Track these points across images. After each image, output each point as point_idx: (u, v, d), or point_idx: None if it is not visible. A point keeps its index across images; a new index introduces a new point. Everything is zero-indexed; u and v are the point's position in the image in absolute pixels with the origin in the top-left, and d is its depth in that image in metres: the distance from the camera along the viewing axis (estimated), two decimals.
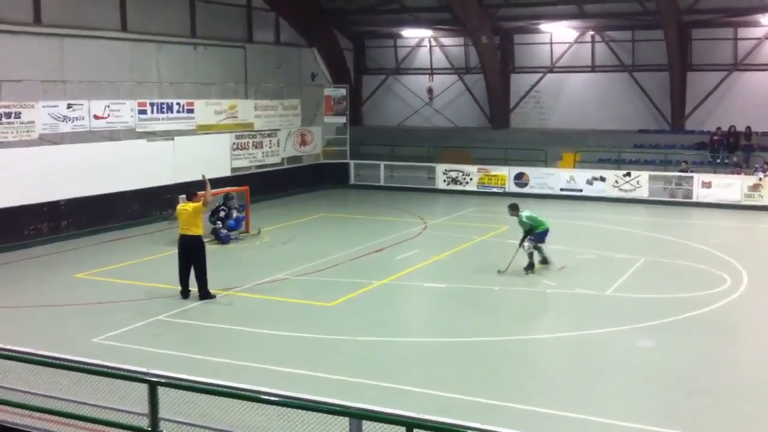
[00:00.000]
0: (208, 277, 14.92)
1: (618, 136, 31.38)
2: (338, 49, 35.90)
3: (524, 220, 17.30)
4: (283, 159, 29.88)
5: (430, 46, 36.61)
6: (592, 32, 33.03)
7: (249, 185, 22.60)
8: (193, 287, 14.89)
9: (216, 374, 9.03)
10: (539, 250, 17.42)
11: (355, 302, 14.93)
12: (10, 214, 19.55)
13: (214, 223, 20.55)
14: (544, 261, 17.58)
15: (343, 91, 32.71)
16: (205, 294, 14.79)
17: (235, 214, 20.95)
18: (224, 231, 20.47)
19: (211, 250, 19.77)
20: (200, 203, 14.91)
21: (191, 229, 14.76)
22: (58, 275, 17.03)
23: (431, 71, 36.75)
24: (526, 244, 17.15)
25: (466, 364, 11.69)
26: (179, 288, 14.93)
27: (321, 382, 10.61)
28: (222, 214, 20.66)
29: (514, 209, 17.74)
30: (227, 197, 21.11)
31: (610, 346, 12.59)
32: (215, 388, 7.62)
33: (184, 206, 15.05)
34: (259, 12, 31.98)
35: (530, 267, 17.14)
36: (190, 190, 15.91)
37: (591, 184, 28.23)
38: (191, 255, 14.75)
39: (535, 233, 17.19)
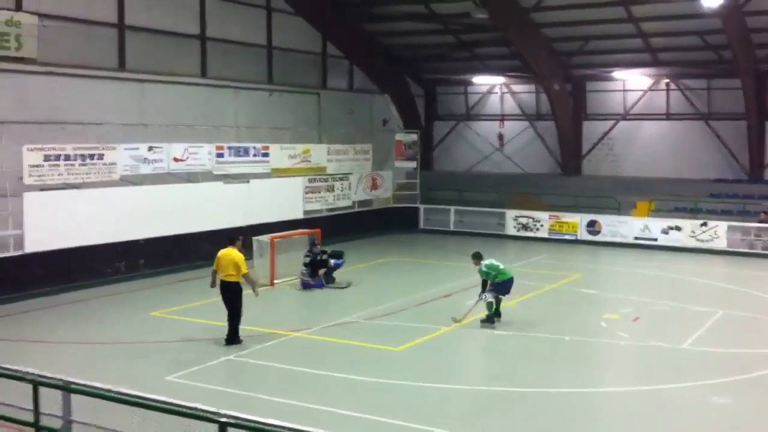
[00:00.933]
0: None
1: (694, 185, 30.74)
2: (410, 96, 36.34)
3: (482, 269, 16.44)
4: (353, 202, 30.20)
5: (501, 93, 36.72)
6: (666, 80, 32.63)
7: (320, 228, 22.88)
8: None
9: (282, 416, 9.07)
10: (498, 302, 16.46)
11: (422, 348, 14.86)
12: (90, 253, 20.19)
13: (312, 275, 20.31)
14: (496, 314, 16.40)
15: (414, 136, 33.01)
16: (233, 338, 14.64)
17: (332, 262, 20.74)
18: (318, 280, 20.21)
19: (283, 291, 20.07)
20: (241, 254, 14.78)
21: (232, 275, 14.61)
22: (135, 313, 17.46)
23: (502, 117, 36.80)
24: (485, 294, 16.28)
25: (533, 416, 11.47)
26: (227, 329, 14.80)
27: (383, 428, 10.58)
28: (308, 259, 20.38)
29: (477, 258, 16.86)
30: (312, 243, 20.92)
31: (684, 403, 12.19)
32: (282, 430, 7.68)
33: (227, 252, 14.83)
34: (334, 60, 32.72)
35: (489, 320, 16.21)
36: (232, 234, 15.77)
37: (666, 233, 27.64)
38: (231, 300, 14.69)
39: (495, 283, 16.30)
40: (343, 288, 20.37)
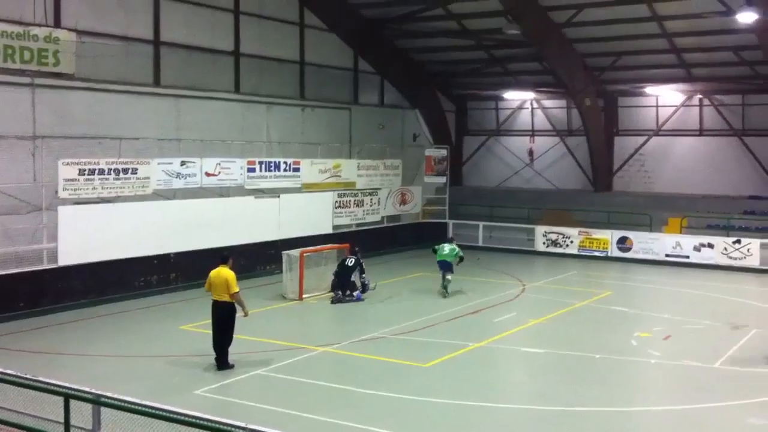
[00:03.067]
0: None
1: (727, 201, 30.36)
2: (440, 111, 36.41)
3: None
4: (383, 217, 30.27)
5: (532, 108, 36.66)
6: (700, 96, 32.34)
7: (349, 243, 22.96)
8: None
9: None
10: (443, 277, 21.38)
11: (451, 364, 14.84)
12: (123, 265, 20.47)
13: (346, 292, 20.60)
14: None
15: (443, 152, 33.04)
16: (224, 363, 14.19)
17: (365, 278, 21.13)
18: (358, 293, 20.66)
19: (312, 305, 20.16)
20: (233, 273, 14.32)
21: (225, 296, 14.19)
22: (165, 326, 17.66)
23: (532, 133, 36.71)
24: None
25: None
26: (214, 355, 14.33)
27: None
28: (350, 261, 20.82)
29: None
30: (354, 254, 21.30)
31: (718, 423, 12.02)
32: None
33: (218, 272, 14.34)
34: (365, 75, 32.92)
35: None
36: (224, 253, 15.16)
37: (699, 250, 27.32)
38: (224, 321, 14.26)
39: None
40: (373, 289, 21.42)
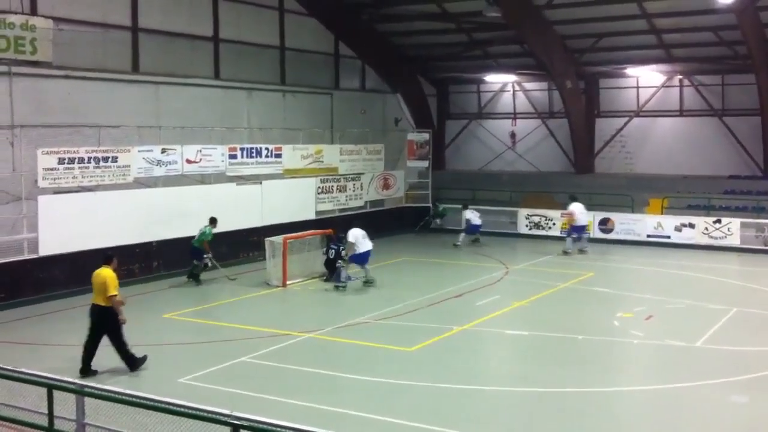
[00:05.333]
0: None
1: (707, 181, 30.57)
2: (422, 95, 36.35)
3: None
4: (366, 202, 30.25)
5: (514, 91, 36.66)
6: (680, 76, 32.47)
7: (332, 228, 22.93)
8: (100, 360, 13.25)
9: (295, 418, 9.15)
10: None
11: (435, 348, 14.89)
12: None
13: (333, 265, 20.83)
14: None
15: (426, 136, 33.01)
16: (132, 362, 13.19)
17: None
18: (345, 272, 20.66)
19: (296, 292, 20.16)
20: (114, 273, 13.19)
21: (101, 299, 12.97)
22: (148, 315, 17.55)
23: (514, 116, 36.74)
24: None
25: (546, 416, 11.47)
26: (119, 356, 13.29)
27: (398, 429, 10.62)
28: (332, 254, 20.99)
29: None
30: (330, 238, 21.60)
31: (700, 401, 12.16)
32: None
33: (99, 272, 13.13)
34: (346, 60, 32.80)
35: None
36: (107, 252, 14.08)
37: (680, 230, 27.52)
38: (103, 327, 13.05)
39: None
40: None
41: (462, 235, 27.94)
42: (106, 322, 13.01)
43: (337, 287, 20.10)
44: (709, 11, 26.41)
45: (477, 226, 28.17)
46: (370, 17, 31.97)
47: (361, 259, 20.35)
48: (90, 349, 13.08)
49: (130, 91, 23.51)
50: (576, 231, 26.33)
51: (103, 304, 12.97)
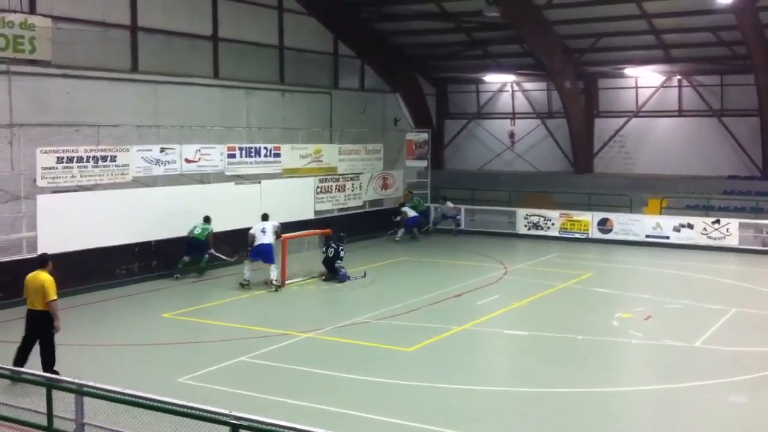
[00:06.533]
0: None
1: (706, 182, 30.60)
2: (421, 95, 36.35)
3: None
4: (365, 202, 30.23)
5: (513, 91, 36.67)
6: (679, 77, 32.50)
7: (331, 228, 22.92)
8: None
9: (294, 417, 9.15)
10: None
11: (434, 348, 14.88)
12: (103, 254, 20.27)
13: (332, 264, 21.13)
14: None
15: (425, 136, 33.00)
16: (50, 365, 12.43)
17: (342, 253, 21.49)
18: (343, 270, 21.05)
19: (295, 291, 20.14)
20: (51, 277, 12.51)
21: (39, 304, 12.38)
22: (147, 315, 17.56)
23: (513, 115, 36.75)
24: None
25: (545, 416, 11.47)
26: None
27: (396, 429, 10.61)
28: (331, 253, 21.22)
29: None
30: (328, 236, 21.81)
31: (699, 402, 12.16)
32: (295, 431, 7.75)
33: (34, 276, 12.56)
34: (345, 59, 32.78)
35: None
36: (43, 254, 13.36)
37: (678, 231, 27.53)
38: (38, 333, 12.48)
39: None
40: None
41: (401, 231, 28.83)
42: (43, 327, 12.42)
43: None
44: (708, 11, 26.44)
45: (415, 219, 29.02)
46: (369, 16, 31.98)
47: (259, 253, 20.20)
48: (23, 357, 12.40)
49: (129, 90, 23.47)
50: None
51: (41, 308, 12.35)
